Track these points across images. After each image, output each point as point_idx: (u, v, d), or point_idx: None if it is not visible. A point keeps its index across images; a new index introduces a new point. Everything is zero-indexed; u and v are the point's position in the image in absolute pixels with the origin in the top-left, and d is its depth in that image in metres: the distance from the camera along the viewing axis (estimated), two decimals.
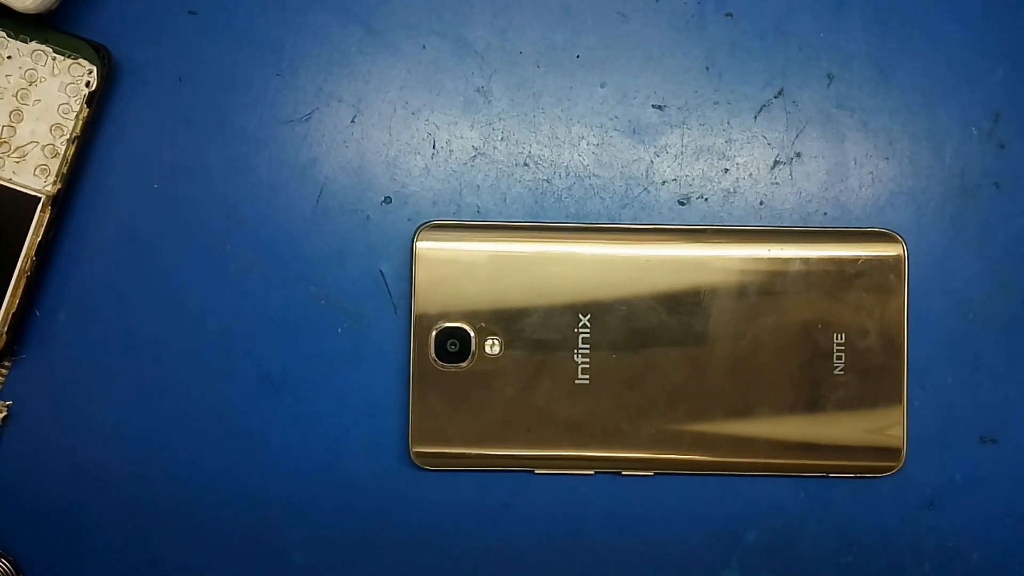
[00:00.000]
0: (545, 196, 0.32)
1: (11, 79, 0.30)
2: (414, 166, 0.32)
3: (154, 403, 0.31)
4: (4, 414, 0.31)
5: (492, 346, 0.30)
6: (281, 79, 0.32)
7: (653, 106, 0.32)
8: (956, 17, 0.32)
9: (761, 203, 0.32)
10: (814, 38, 0.32)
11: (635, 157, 0.32)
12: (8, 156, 0.30)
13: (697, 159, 0.32)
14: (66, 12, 0.31)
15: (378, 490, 0.31)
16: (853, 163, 0.32)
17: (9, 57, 0.30)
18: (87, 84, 0.30)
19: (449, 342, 0.30)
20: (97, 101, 0.30)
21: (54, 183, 0.30)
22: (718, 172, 0.32)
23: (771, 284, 0.30)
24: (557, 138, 0.32)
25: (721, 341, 0.30)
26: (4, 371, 0.31)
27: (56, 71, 0.30)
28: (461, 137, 0.32)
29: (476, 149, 0.32)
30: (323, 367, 0.31)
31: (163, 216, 0.31)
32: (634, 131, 0.32)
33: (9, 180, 0.30)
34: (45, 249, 0.30)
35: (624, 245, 0.30)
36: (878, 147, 0.32)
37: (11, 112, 0.30)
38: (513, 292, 0.30)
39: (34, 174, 0.30)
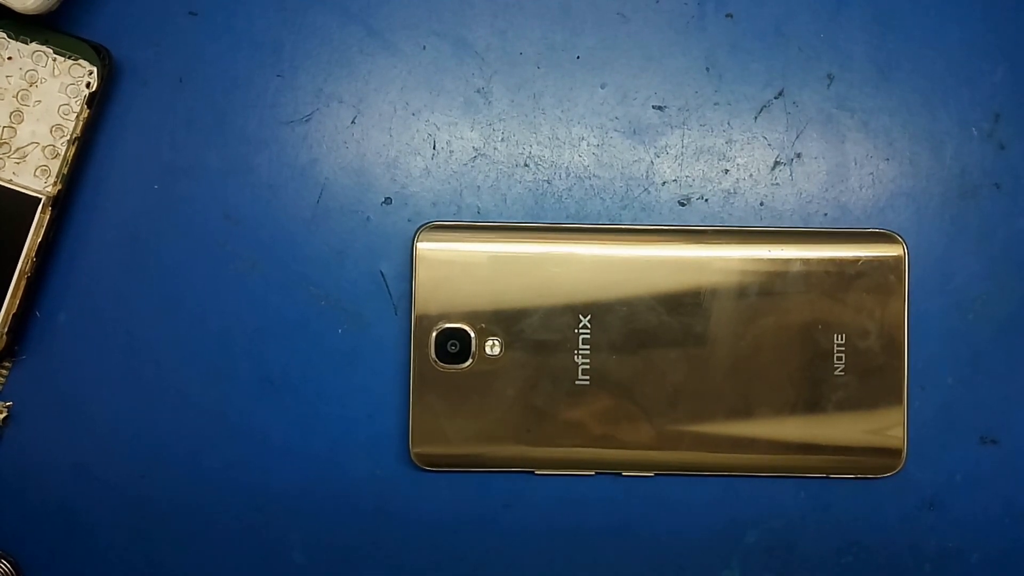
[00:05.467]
0: (545, 197, 0.32)
1: (11, 80, 0.30)
2: (414, 167, 0.32)
3: (154, 403, 0.31)
4: (4, 414, 0.31)
5: (492, 347, 0.30)
6: (281, 79, 0.32)
7: (653, 107, 0.32)
8: (956, 18, 0.32)
9: (761, 204, 0.32)
10: (814, 39, 0.32)
11: (635, 158, 0.32)
12: (8, 157, 0.30)
13: (697, 160, 0.32)
14: (66, 13, 0.31)
15: (378, 490, 0.31)
16: (853, 164, 0.32)
17: (10, 58, 0.30)
18: (87, 85, 0.30)
19: (449, 343, 0.30)
20: (97, 102, 0.30)
21: (54, 184, 0.30)
22: (718, 173, 0.32)
23: (771, 285, 0.30)
24: (557, 139, 0.32)
25: (721, 342, 0.30)
26: (4, 372, 0.31)
27: (56, 72, 0.30)
28: (461, 138, 0.32)
29: (476, 150, 0.32)
30: (323, 367, 0.31)
31: (163, 216, 0.31)
32: (634, 132, 0.32)
33: (9, 181, 0.30)
34: (45, 250, 0.30)
35: (624, 246, 0.30)
36: (878, 148, 0.32)
37: (11, 113, 0.30)
38: (513, 293, 0.30)
39: (34, 175, 0.30)
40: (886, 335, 0.30)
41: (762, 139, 0.32)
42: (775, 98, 0.32)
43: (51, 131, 0.30)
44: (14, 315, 0.30)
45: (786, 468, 0.31)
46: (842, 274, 0.30)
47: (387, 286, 0.31)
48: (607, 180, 0.32)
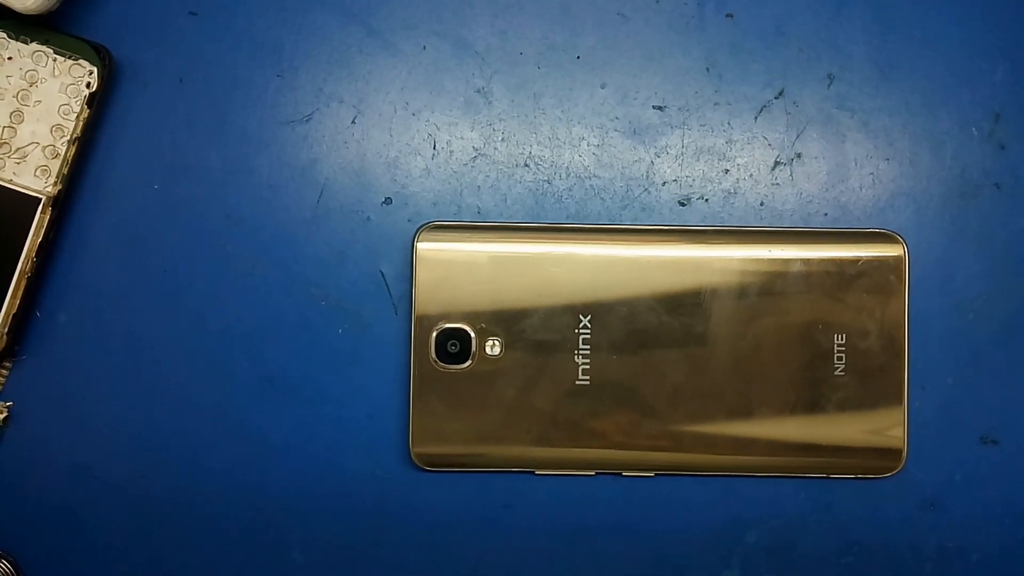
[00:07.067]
0: (545, 197, 0.32)
1: (12, 80, 0.30)
2: (414, 167, 0.32)
3: (154, 403, 0.31)
4: (4, 415, 0.31)
5: (492, 347, 0.30)
6: (281, 80, 0.32)
7: (653, 107, 0.32)
8: (956, 18, 0.32)
9: (762, 204, 0.32)
10: (814, 39, 0.32)
11: (635, 158, 0.32)
12: (9, 157, 0.30)
13: (697, 160, 0.32)
14: (67, 13, 0.31)
15: (378, 490, 0.31)
16: (853, 164, 0.32)
17: (10, 58, 0.30)
18: (88, 85, 0.30)
19: (450, 343, 0.30)
20: (98, 102, 0.30)
21: (55, 184, 0.30)
22: (718, 173, 0.32)
23: (772, 285, 0.30)
24: (557, 139, 0.32)
25: (722, 342, 0.30)
26: (4, 372, 0.31)
27: (57, 72, 0.30)
28: (461, 138, 0.32)
29: (476, 150, 0.32)
30: (323, 368, 0.31)
31: (164, 217, 0.31)
32: (634, 132, 0.32)
33: (10, 181, 0.30)
34: (45, 250, 0.30)
35: (624, 246, 0.30)
36: (878, 148, 0.32)
37: (12, 113, 0.30)
38: (514, 293, 0.30)
39: (35, 175, 0.30)
40: (886, 335, 0.30)
41: (762, 139, 0.32)
42: (775, 98, 0.32)
43: (51, 131, 0.30)
44: (14, 315, 0.30)
45: (786, 468, 0.31)
46: (842, 274, 0.30)
47: (387, 286, 0.31)
48: (607, 180, 0.32)
